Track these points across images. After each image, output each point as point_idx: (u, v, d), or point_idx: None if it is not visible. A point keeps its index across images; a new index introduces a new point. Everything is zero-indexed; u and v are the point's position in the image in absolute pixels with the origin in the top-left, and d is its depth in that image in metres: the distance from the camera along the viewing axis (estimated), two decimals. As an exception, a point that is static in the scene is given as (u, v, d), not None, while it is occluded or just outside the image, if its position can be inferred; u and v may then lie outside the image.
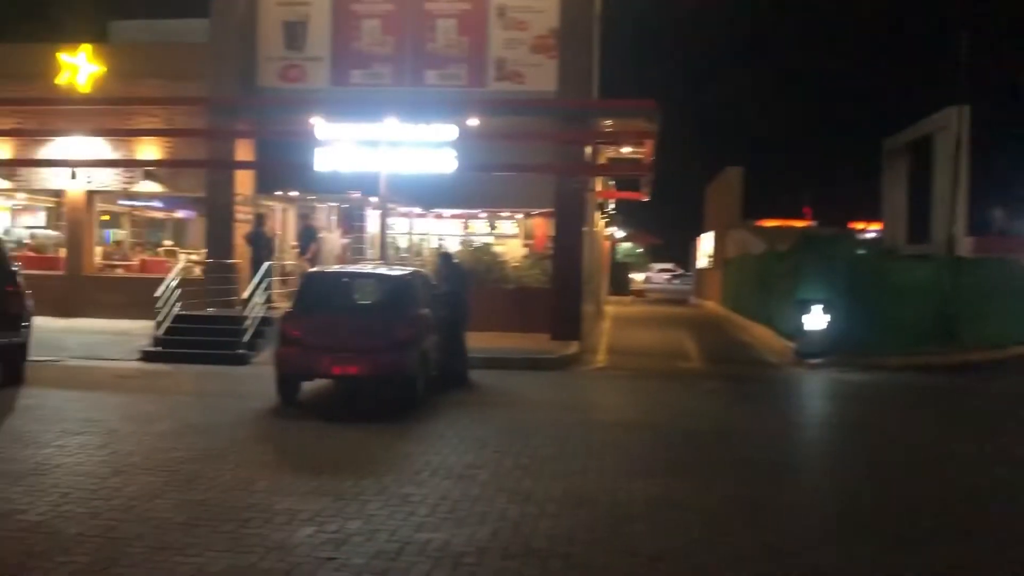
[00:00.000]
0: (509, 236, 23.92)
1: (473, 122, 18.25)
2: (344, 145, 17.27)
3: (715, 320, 28.89)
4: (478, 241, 21.67)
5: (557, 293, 17.70)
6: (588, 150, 18.71)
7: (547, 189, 18.10)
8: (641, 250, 60.33)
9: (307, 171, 17.55)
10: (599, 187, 24.39)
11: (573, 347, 16.54)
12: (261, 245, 17.29)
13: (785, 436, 10.35)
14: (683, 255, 55.25)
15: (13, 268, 12.05)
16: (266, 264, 16.37)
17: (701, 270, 41.70)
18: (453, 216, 23.56)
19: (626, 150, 21.19)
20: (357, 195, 19.17)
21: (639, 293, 43.91)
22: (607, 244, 36.00)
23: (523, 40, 18.27)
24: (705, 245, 40.57)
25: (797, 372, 15.82)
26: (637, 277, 47.56)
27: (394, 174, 17.37)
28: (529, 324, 17.69)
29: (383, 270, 12.78)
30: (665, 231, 54.49)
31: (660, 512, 6.68)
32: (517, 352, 15.47)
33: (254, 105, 18.69)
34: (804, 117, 63.73)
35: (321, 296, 11.63)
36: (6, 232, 24.33)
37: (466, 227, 23.88)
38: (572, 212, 17.90)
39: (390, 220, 20.19)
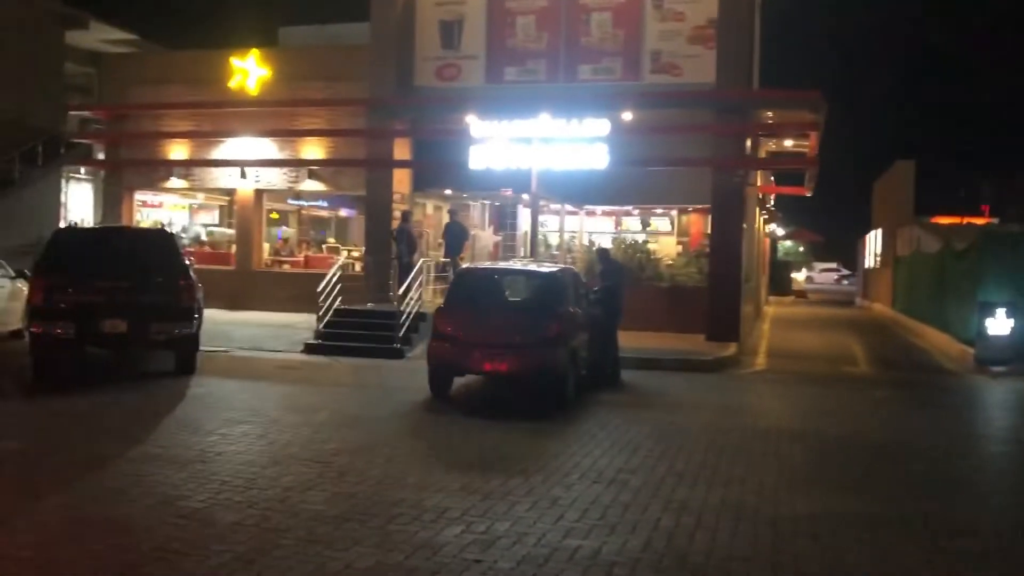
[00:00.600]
0: (663, 233, 23.43)
1: (627, 116, 17.88)
2: (497, 142, 17.33)
3: (884, 323, 27.26)
4: (631, 238, 21.22)
5: (713, 292, 17.08)
6: (747, 143, 17.94)
7: (703, 184, 17.50)
8: (803, 248, 57.97)
9: (462, 169, 17.74)
10: (759, 182, 23.45)
11: (730, 348, 15.91)
12: (403, 240, 17.54)
13: (964, 450, 9.47)
14: (847, 254, 52.63)
15: (186, 263, 12.66)
16: (420, 260, 16.60)
17: (868, 270, 39.51)
18: (605, 213, 23.30)
19: (788, 143, 20.22)
20: (509, 192, 19.19)
21: (801, 293, 42.14)
22: (767, 242, 34.66)
23: (680, 31, 17.73)
24: (872, 244, 38.40)
25: (977, 380, 14.60)
26: (799, 276, 45.67)
27: (546, 171, 17.29)
28: (684, 324, 17.17)
29: (533, 267, 12.65)
30: (829, 229, 52.11)
31: (825, 529, 6.18)
32: (671, 352, 15.01)
33: (411, 104, 19.02)
34: (980, 107, 59.50)
35: (472, 292, 11.63)
36: (184, 229, 25.96)
37: (619, 224, 23.56)
38: (730, 208, 17.22)
39: (541, 217, 20.15)
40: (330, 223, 28.36)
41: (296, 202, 24.89)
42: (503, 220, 22.89)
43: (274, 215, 25.14)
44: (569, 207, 21.94)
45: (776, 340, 20.15)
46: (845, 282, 55.26)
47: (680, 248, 22.34)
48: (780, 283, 39.80)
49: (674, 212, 22.90)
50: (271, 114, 19.91)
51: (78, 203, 28.70)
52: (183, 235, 25.35)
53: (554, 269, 12.32)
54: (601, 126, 16.95)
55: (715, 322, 16.77)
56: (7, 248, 19.33)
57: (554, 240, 22.54)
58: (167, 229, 15.14)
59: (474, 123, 17.70)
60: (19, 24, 26.53)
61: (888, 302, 30.25)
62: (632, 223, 23.73)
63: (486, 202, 21.91)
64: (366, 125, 19.16)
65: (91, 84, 28.83)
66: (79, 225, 19.71)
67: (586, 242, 22.05)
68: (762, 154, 21.44)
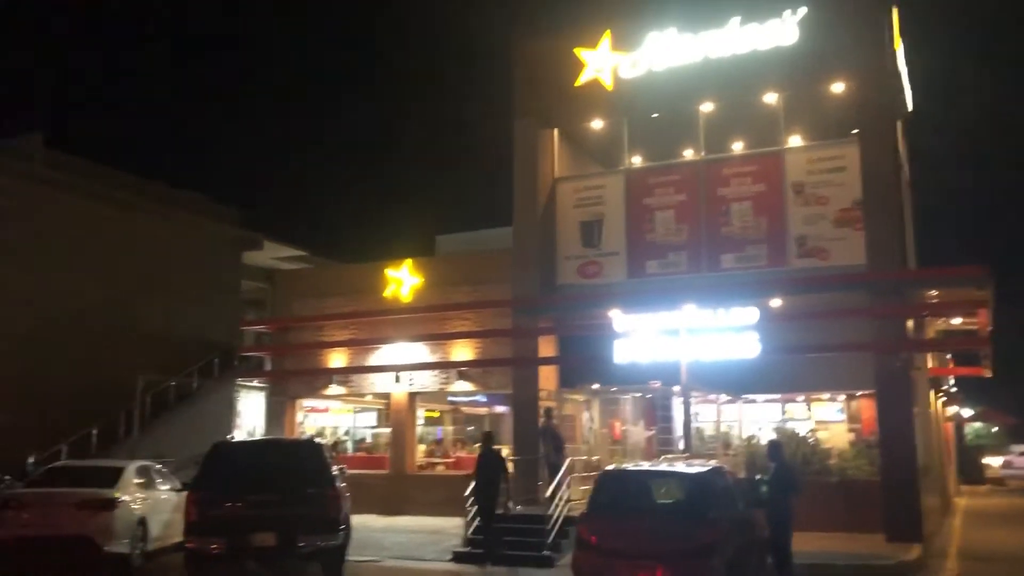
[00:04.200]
0: (833, 421, 21.97)
1: (776, 303, 17.38)
2: (642, 335, 17.21)
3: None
4: (794, 428, 20.01)
5: (888, 486, 15.63)
6: (909, 324, 16.88)
7: (868, 368, 16.48)
8: (996, 430, 53.30)
9: (607, 364, 17.61)
10: (932, 363, 21.93)
11: (914, 551, 14.29)
12: (547, 439, 17.21)
13: None
14: (1051, 433, 47.74)
15: (334, 472, 12.82)
16: (568, 459, 16.18)
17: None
18: (768, 400, 22.22)
19: (957, 321, 18.95)
20: (658, 385, 18.71)
21: (998, 481, 38.20)
22: (949, 427, 31.98)
23: (825, 215, 17.35)
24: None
25: None
26: (993, 462, 41.63)
27: (695, 362, 16.87)
28: (858, 522, 15.71)
29: (680, 468, 12.00)
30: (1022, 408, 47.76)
31: None
32: (846, 557, 13.67)
33: (554, 303, 19.27)
34: None
35: (617, 496, 11.11)
36: (346, 433, 26.67)
37: (784, 412, 22.37)
38: (897, 393, 16.02)
39: (696, 408, 19.44)
40: (485, 421, 28.43)
41: (455, 399, 25.15)
42: (658, 413, 22.21)
43: (433, 413, 25.48)
44: (726, 397, 21.12)
45: (970, 539, 18.04)
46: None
47: (852, 436, 20.86)
48: (971, 470, 36.35)
49: (842, 397, 21.57)
50: (423, 319, 20.66)
51: (251, 413, 30.29)
52: (345, 437, 26.09)
53: (704, 469, 11.65)
54: (749, 314, 16.57)
55: (893, 520, 15.24)
56: (186, 459, 20.38)
57: (712, 432, 21.59)
58: (317, 440, 15.55)
59: (618, 317, 17.68)
60: (202, 249, 29.38)
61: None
62: (798, 410, 22.46)
63: (636, 395, 21.40)
64: (512, 325, 19.48)
65: (265, 298, 31.16)
66: (235, 438, 20.51)
67: (745, 434, 20.97)
68: (931, 333, 20.17)
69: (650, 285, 18.49)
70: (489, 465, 15.03)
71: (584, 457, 19.26)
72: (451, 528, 16.83)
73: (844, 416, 21.85)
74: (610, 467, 13.00)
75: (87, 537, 12.80)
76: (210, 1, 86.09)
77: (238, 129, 76.12)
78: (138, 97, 74.91)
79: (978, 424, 48.84)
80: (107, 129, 69.70)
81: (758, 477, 12.21)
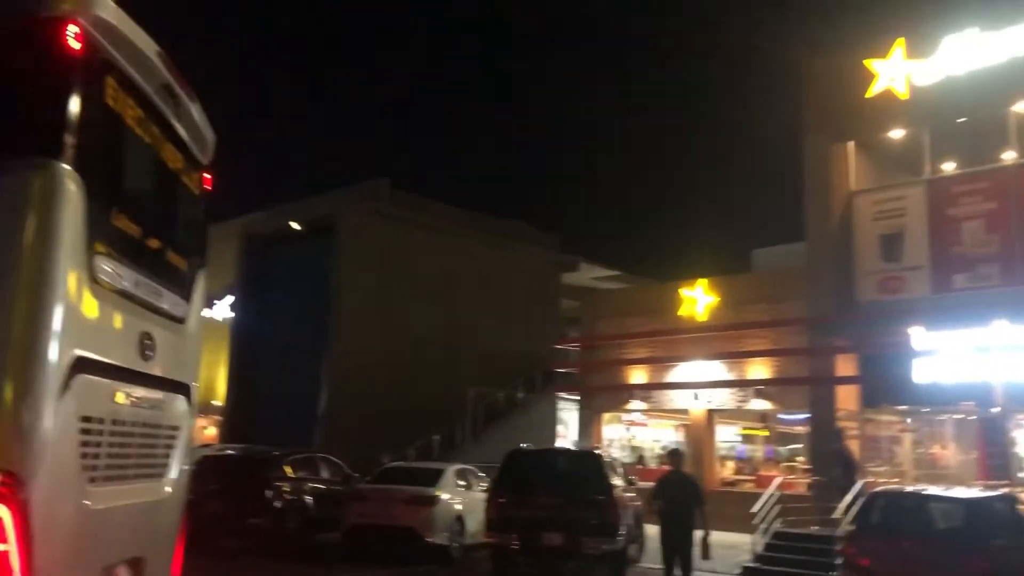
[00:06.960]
0: None
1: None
2: (948, 354, 16.42)
3: None
4: None
5: None
6: None
7: None
8: None
9: (906, 383, 16.96)
10: None
11: None
12: (838, 463, 16.80)
13: None
14: None
15: (617, 482, 13.91)
16: (860, 482, 15.85)
17: None
18: None
19: None
20: (970, 406, 17.55)
21: None
22: None
23: None
24: None
25: None
26: None
27: (1009, 382, 15.75)
28: None
29: (959, 492, 11.53)
30: None
31: None
32: None
33: (851, 320, 18.79)
34: None
35: (888, 519, 11.03)
36: (664, 447, 27.54)
37: None
38: None
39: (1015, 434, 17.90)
40: (800, 439, 27.81)
41: (786, 417, 24.83)
42: (988, 436, 20.53)
43: (762, 432, 25.49)
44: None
45: None
46: None
47: None
48: None
49: None
50: (717, 338, 21.13)
51: (573, 424, 32.40)
52: (662, 451, 26.94)
53: (988, 495, 11.14)
54: (1069, 331, 15.18)
55: None
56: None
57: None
58: (596, 451, 16.67)
59: (918, 335, 16.96)
60: (526, 273, 32.08)
61: None
62: None
63: (956, 416, 20.02)
64: (808, 343, 19.30)
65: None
66: (528, 447, 22.00)
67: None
68: None
69: (957, 300, 17.41)
70: (675, 491, 11.59)
71: (895, 480, 18.50)
72: (745, 544, 17.11)
73: None
74: (880, 488, 12.75)
75: (412, 528, 15.05)
76: (521, 50, 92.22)
77: (556, 157, 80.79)
78: (465, 136, 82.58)
79: None
80: (440, 169, 77.54)
81: None
